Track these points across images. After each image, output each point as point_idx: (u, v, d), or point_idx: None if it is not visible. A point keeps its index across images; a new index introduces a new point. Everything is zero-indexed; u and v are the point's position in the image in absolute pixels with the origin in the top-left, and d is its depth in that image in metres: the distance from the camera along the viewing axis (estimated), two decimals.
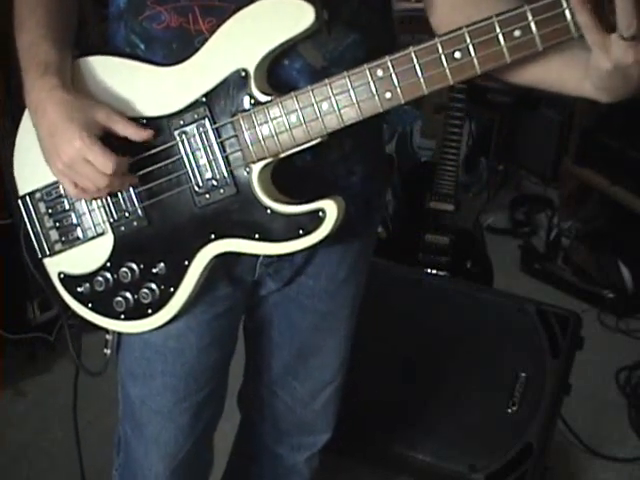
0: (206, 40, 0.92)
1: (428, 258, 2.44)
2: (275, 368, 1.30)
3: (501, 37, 0.84)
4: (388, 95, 0.89)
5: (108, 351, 1.13)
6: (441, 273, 2.41)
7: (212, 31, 0.92)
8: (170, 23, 0.94)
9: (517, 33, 0.83)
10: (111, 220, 1.01)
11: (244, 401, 1.43)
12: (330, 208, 0.93)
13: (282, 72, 0.94)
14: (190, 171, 0.96)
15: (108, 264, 1.02)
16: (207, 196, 0.96)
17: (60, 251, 1.04)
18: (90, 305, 1.04)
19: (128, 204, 0.99)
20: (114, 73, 0.97)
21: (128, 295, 1.01)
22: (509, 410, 1.75)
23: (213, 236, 0.97)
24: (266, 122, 0.92)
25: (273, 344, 1.27)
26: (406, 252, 2.46)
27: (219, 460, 1.52)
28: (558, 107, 3.11)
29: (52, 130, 0.92)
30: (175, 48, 0.95)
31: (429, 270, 2.42)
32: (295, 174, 0.98)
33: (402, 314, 1.92)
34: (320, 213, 0.93)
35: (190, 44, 0.93)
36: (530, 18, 0.82)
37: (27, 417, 2.13)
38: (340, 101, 0.90)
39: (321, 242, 0.95)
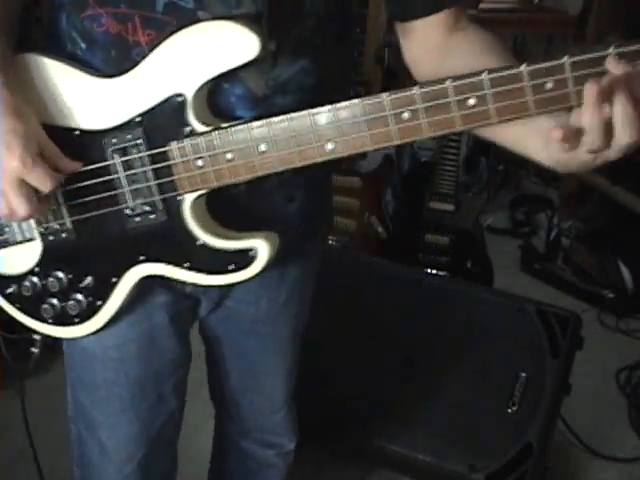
0: (144, 53, 0.88)
1: (428, 258, 2.44)
2: (231, 381, 1.31)
3: (454, 104, 0.79)
4: (330, 146, 0.84)
5: (36, 350, 1.13)
6: (441, 273, 2.41)
7: (151, 45, 0.87)
8: (109, 28, 0.88)
9: (472, 102, 0.78)
10: (40, 229, 0.98)
11: (214, 401, 1.43)
12: (262, 248, 0.90)
13: (220, 96, 0.90)
14: (122, 193, 0.93)
15: (36, 269, 1.00)
16: (138, 219, 0.93)
17: None
18: (18, 306, 1.03)
19: (58, 215, 0.96)
20: (52, 77, 0.91)
21: (56, 302, 1.00)
22: (509, 410, 1.75)
23: (142, 258, 0.95)
24: (201, 154, 0.88)
25: (224, 361, 1.29)
26: (406, 252, 2.46)
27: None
28: None
29: None
30: (114, 55, 0.90)
31: (429, 270, 2.42)
32: (230, 202, 0.95)
33: (402, 314, 1.92)
34: (251, 252, 0.91)
35: (128, 54, 0.89)
36: (487, 87, 0.77)
37: (27, 417, 2.12)
38: (279, 144, 0.85)
39: (254, 277, 0.92)
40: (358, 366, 1.87)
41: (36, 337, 1.11)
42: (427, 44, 0.97)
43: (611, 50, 0.73)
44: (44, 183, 0.87)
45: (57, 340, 1.07)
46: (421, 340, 1.88)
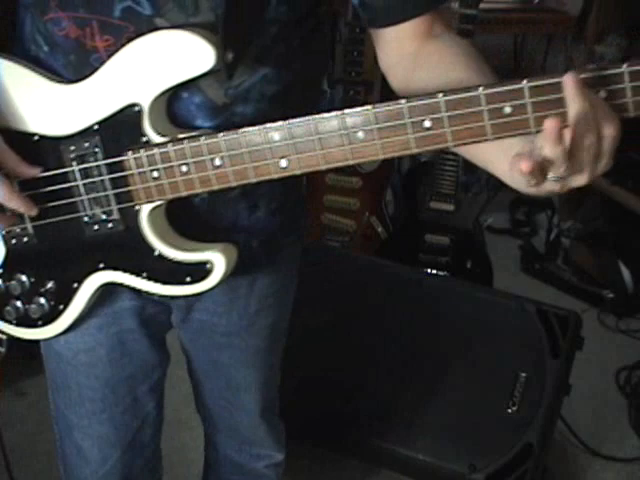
0: (102, 59, 0.87)
1: (428, 258, 2.44)
2: (210, 395, 1.30)
3: (409, 126, 0.77)
4: (283, 163, 0.82)
5: (3, 349, 1.12)
6: (441, 273, 2.41)
7: (108, 51, 0.87)
8: (69, 33, 0.88)
9: (427, 124, 0.76)
10: (2, 232, 0.98)
11: (199, 412, 1.40)
12: (218, 261, 0.90)
13: (179, 105, 0.89)
14: (80, 201, 0.93)
15: (0, 271, 1.00)
16: (96, 227, 0.94)
17: None
18: None
19: (19, 220, 0.96)
20: (12, 79, 0.91)
21: (19, 305, 1.00)
22: (509, 410, 1.75)
23: (102, 265, 0.95)
24: (156, 165, 0.87)
25: (201, 375, 1.28)
26: (406, 252, 2.46)
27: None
28: None
29: None
30: (73, 60, 0.90)
31: (429, 270, 2.42)
32: (192, 211, 0.95)
33: (402, 314, 1.92)
34: (207, 265, 0.90)
35: (86, 60, 0.89)
36: (444, 110, 0.75)
37: (27, 417, 2.13)
38: (233, 158, 0.84)
39: (212, 289, 0.92)
40: (358, 366, 1.87)
41: (2, 337, 1.11)
42: (401, 51, 0.95)
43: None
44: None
45: (23, 341, 1.07)
46: (421, 340, 1.88)
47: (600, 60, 2.90)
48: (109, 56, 0.87)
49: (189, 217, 0.95)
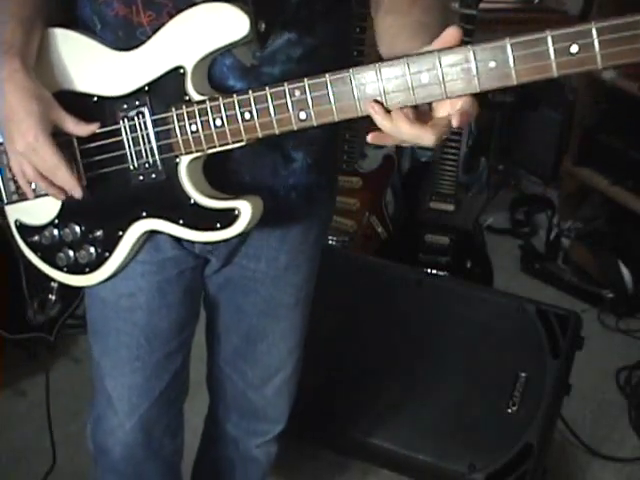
0: (147, 32, 1.00)
1: (428, 258, 2.45)
2: (226, 350, 1.36)
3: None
4: (303, 115, 0.93)
5: (53, 297, 1.30)
6: (441, 273, 2.41)
7: (152, 25, 1.00)
8: (118, 12, 1.02)
9: (425, 79, 0.84)
10: None
11: (207, 381, 1.47)
12: (245, 208, 1.00)
13: (213, 67, 1.01)
14: (128, 153, 1.04)
15: (56, 221, 1.11)
16: (141, 177, 1.04)
17: (16, 201, 1.13)
18: (39, 254, 1.14)
19: (75, 172, 1.06)
20: (75, 48, 1.04)
21: (70, 252, 1.11)
22: (509, 410, 1.75)
23: (144, 214, 1.05)
24: (195, 120, 0.99)
25: (222, 327, 1.34)
26: (406, 252, 2.46)
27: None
28: (558, 107, 3.11)
29: (10, 116, 0.98)
30: (121, 36, 1.03)
31: (429, 270, 2.42)
32: (231, 162, 1.06)
33: (402, 314, 1.92)
34: (235, 212, 1.00)
35: (133, 34, 1.01)
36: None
37: (27, 417, 2.13)
38: (260, 112, 0.95)
39: (239, 235, 1.03)
40: (358, 366, 1.88)
41: (53, 284, 1.19)
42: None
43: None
44: (52, 159, 0.98)
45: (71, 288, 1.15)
46: (421, 340, 1.88)
47: None
48: (152, 29, 0.99)
49: (227, 168, 1.06)
